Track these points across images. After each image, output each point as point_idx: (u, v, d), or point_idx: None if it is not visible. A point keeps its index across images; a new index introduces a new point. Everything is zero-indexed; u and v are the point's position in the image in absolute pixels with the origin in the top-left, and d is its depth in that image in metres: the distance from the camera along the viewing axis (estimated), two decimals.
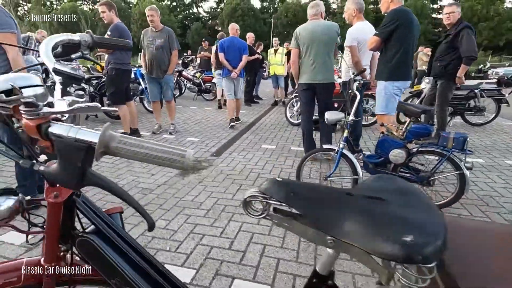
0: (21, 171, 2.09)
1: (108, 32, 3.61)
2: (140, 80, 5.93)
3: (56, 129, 0.47)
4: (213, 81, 8.03)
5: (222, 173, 3.01)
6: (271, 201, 0.52)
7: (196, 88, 8.22)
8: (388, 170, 2.33)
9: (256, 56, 7.46)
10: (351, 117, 2.20)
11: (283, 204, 0.51)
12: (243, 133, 4.68)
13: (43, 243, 0.62)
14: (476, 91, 4.90)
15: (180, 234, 1.91)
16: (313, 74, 3.10)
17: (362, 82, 2.46)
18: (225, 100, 5.86)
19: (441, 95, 3.80)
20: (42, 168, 0.50)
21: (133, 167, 3.11)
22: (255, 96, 8.16)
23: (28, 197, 0.62)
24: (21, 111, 0.47)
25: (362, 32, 3.22)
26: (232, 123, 4.99)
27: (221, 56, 4.82)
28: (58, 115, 0.50)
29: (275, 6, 51.53)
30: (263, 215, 0.55)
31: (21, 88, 0.50)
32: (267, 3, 52.87)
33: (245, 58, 4.86)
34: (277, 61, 7.20)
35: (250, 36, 7.00)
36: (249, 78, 7.43)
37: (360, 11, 3.31)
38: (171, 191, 2.58)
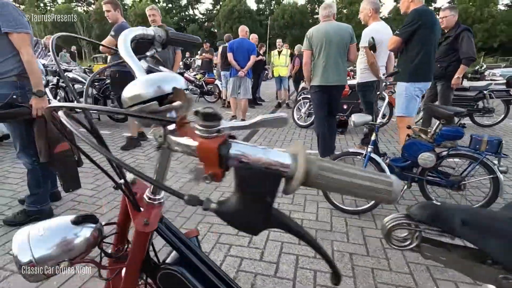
0: (33, 178, 1.97)
1: (112, 33, 3.45)
2: None
3: (241, 150, 0.36)
4: (215, 82, 7.94)
5: None
6: (428, 230, 0.43)
7: (198, 90, 8.10)
8: (415, 174, 2.26)
9: (260, 57, 7.41)
10: (380, 119, 2.12)
11: (445, 234, 0.42)
12: (252, 136, 4.59)
13: (116, 275, 0.52)
14: (485, 92, 4.88)
15: (206, 245, 1.81)
16: (325, 76, 3.06)
17: (389, 83, 2.38)
18: (229, 101, 5.94)
19: (443, 96, 3.83)
20: (213, 205, 0.37)
21: None
22: (258, 98, 8.08)
23: (103, 222, 0.52)
24: (198, 127, 0.36)
25: (378, 32, 3.16)
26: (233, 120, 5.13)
27: (230, 56, 4.91)
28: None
29: (271, 8, 51.65)
30: (411, 246, 0.46)
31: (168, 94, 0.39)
32: (263, 5, 52.99)
33: (253, 58, 4.96)
34: (281, 63, 7.14)
35: (254, 37, 6.90)
36: (252, 79, 7.36)
37: (376, 11, 3.25)
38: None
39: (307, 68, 3.19)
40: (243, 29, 5.09)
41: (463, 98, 4.88)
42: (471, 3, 34.31)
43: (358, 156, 2.17)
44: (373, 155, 2.11)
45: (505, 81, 5.10)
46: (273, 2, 52.10)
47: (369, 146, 2.12)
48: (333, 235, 1.94)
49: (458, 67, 3.56)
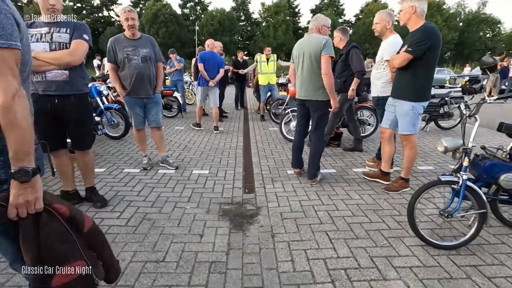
0: None
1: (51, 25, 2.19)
2: (97, 98, 4.67)
3: None
4: (174, 94, 7.03)
5: (286, 218, 2.41)
6: None
7: None
8: (488, 195, 2.18)
9: (227, 67, 6.90)
10: (471, 144, 1.96)
11: None
12: (249, 157, 4.08)
13: None
14: (446, 98, 5.46)
15: None
16: (299, 90, 3.08)
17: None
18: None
19: (339, 106, 3.96)
20: None
21: (164, 228, 2.24)
22: (222, 110, 7.50)
23: None
24: None
25: (398, 46, 3.10)
26: (195, 127, 5.69)
27: (201, 66, 5.21)
28: None
29: (197, 13, 50.61)
30: None
31: None
32: (188, 10, 51.52)
33: (222, 71, 5.44)
34: (270, 70, 6.79)
35: (218, 45, 6.38)
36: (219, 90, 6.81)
37: (392, 24, 3.18)
38: (253, 258, 1.89)
39: (291, 81, 3.31)
40: (213, 42, 5.53)
41: (430, 104, 5.35)
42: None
43: (454, 186, 1.96)
44: (469, 184, 1.93)
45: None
46: (198, 7, 51.14)
47: (463, 173, 1.94)
48: (459, 284, 1.67)
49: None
